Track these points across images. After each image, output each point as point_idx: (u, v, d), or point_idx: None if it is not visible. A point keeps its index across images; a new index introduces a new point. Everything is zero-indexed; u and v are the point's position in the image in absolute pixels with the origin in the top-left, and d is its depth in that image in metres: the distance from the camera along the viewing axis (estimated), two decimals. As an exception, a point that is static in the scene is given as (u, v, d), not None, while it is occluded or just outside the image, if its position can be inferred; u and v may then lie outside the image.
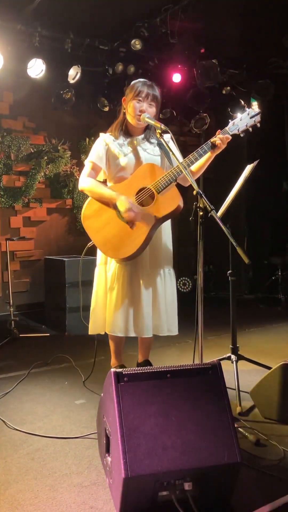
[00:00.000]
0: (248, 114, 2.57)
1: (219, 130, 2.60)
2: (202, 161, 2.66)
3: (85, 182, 2.70)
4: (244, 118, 2.58)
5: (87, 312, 2.86)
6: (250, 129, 2.59)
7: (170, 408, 1.78)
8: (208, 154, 2.60)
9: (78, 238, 5.91)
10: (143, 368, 1.87)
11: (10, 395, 2.92)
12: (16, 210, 5.58)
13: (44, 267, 5.06)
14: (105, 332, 2.79)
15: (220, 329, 4.15)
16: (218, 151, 2.61)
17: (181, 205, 2.61)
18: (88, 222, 2.71)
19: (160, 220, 2.62)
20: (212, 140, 2.57)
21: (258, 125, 2.58)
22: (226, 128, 2.60)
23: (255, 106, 2.61)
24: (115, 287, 2.70)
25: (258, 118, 2.57)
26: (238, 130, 2.58)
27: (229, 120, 2.62)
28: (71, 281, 4.50)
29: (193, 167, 2.72)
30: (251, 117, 2.56)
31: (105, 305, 2.76)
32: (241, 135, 2.61)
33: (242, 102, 5.74)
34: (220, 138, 2.55)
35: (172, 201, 2.59)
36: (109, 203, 2.63)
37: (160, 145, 2.72)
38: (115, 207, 2.61)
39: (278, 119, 6.28)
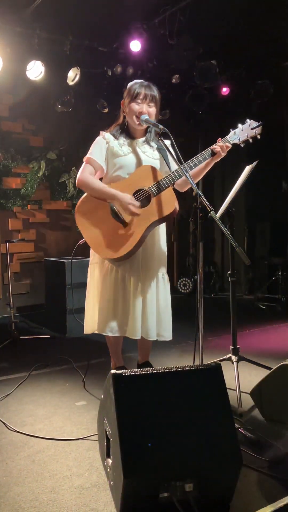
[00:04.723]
0: (249, 125, 2.63)
1: (220, 139, 2.64)
2: (200, 167, 2.68)
3: (83, 178, 2.67)
4: (245, 129, 2.63)
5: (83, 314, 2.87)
6: (251, 140, 2.64)
7: (171, 410, 1.78)
8: (207, 161, 2.63)
9: (78, 239, 5.90)
10: (143, 370, 1.87)
11: (11, 397, 2.92)
12: (15, 212, 5.58)
13: (44, 269, 5.06)
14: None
15: (220, 330, 4.15)
16: (217, 159, 2.66)
17: (177, 208, 2.60)
18: (81, 219, 2.68)
19: (155, 223, 2.60)
20: (212, 147, 2.60)
21: (259, 136, 2.63)
22: (227, 137, 2.65)
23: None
24: (106, 287, 2.70)
25: (259, 130, 2.62)
26: (239, 140, 2.64)
27: (230, 129, 2.67)
28: (71, 282, 4.49)
29: (191, 172, 2.70)
30: (252, 128, 2.62)
31: (96, 304, 2.77)
32: (242, 145, 2.66)
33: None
34: (220, 146, 2.59)
35: (168, 204, 2.57)
36: (108, 200, 2.60)
37: (159, 149, 2.71)
38: (113, 205, 2.57)
39: (277, 119, 6.28)
